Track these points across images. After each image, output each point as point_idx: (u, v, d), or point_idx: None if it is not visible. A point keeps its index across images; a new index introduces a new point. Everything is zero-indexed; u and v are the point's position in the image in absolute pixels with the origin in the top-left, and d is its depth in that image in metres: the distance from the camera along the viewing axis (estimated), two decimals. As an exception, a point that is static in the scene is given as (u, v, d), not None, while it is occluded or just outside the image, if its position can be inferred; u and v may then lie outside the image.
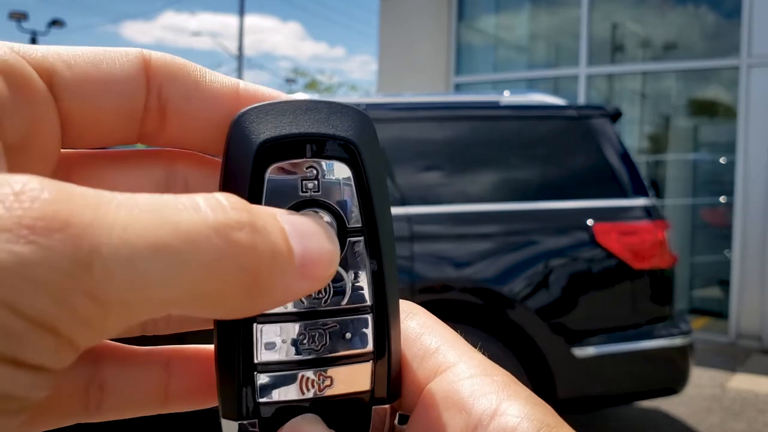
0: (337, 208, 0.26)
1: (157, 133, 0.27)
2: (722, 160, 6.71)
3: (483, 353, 0.29)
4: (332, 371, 0.26)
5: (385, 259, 0.27)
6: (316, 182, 0.26)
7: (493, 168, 3.43)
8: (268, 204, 0.25)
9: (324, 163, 0.26)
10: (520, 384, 0.27)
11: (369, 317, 0.26)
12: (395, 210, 3.28)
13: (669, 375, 3.29)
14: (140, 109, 0.27)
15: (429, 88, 7.58)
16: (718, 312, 6.52)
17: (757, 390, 4.74)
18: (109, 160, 0.28)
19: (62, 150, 0.27)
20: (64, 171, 0.27)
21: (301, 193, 0.26)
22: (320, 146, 0.26)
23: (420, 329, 0.29)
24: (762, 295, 5.90)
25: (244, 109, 0.26)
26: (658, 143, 7.55)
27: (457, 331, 0.29)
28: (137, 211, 0.19)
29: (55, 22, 22.24)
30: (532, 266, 3.18)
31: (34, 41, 21.90)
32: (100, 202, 0.18)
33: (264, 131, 0.26)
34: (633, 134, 7.53)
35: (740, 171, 6.04)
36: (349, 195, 0.26)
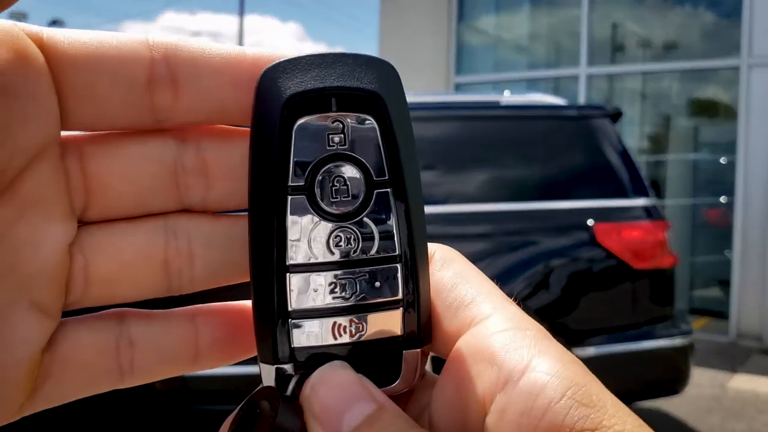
0: (364, 162, 0.26)
1: (172, 107, 0.27)
2: (722, 160, 6.72)
3: (518, 304, 0.29)
4: (363, 318, 0.27)
5: (413, 210, 0.27)
6: (342, 136, 0.26)
7: (494, 168, 3.42)
8: (296, 158, 0.26)
9: (350, 116, 0.26)
10: (553, 339, 0.27)
11: (398, 266, 0.27)
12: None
13: (669, 375, 3.28)
14: (146, 80, 0.26)
15: (429, 87, 7.58)
16: (719, 312, 6.52)
17: (757, 390, 4.75)
18: (116, 140, 0.28)
19: (72, 132, 0.27)
20: (74, 153, 0.27)
21: (327, 148, 0.26)
22: (346, 100, 0.26)
23: (455, 279, 0.28)
24: (762, 296, 5.89)
25: (270, 65, 0.26)
26: (658, 143, 7.54)
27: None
28: None
29: (55, 22, 22.34)
30: (533, 266, 3.17)
31: (34, 41, 22.10)
32: None
33: (290, 87, 0.26)
34: (633, 134, 7.53)
35: (740, 171, 6.04)
36: (375, 147, 0.26)
